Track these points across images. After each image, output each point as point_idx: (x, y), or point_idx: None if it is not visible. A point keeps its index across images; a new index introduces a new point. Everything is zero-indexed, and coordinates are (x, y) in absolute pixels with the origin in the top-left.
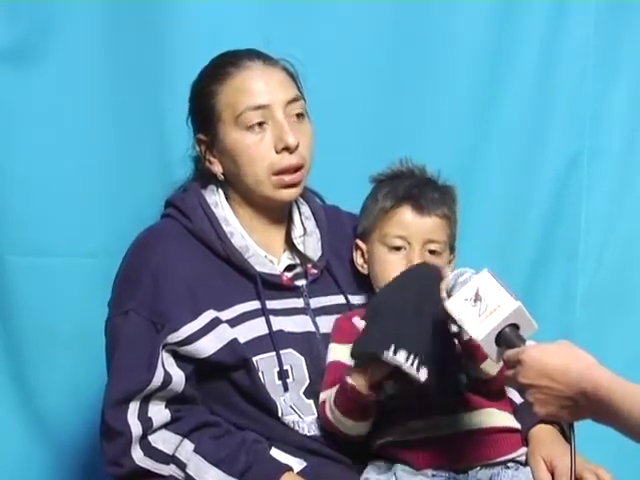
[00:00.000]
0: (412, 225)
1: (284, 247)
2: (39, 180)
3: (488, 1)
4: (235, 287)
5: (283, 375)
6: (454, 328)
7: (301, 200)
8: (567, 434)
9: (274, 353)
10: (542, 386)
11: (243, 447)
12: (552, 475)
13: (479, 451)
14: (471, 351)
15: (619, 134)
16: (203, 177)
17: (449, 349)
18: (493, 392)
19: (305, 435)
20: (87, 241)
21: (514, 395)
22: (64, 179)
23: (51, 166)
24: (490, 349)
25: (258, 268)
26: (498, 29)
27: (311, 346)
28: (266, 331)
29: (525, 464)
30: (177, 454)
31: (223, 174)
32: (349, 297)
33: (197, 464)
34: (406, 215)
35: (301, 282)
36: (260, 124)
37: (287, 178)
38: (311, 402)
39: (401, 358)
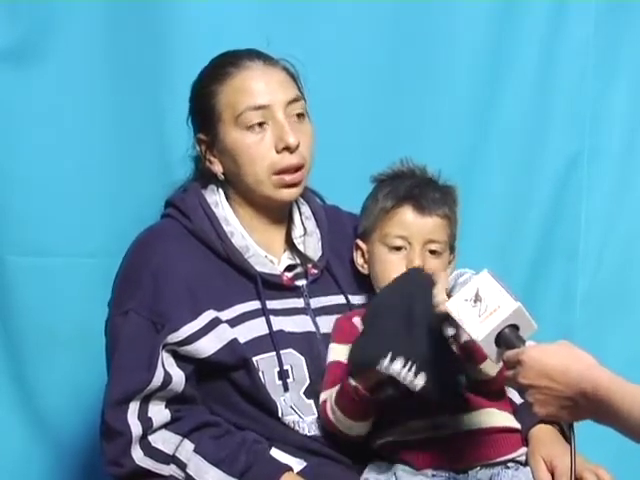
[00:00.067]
0: (413, 225)
1: (284, 247)
2: (39, 180)
3: (488, 1)
4: (235, 287)
5: (283, 375)
6: (450, 332)
7: (301, 200)
8: (567, 434)
9: (274, 353)
10: (542, 386)
11: (243, 447)
12: (552, 475)
13: (479, 451)
14: (469, 353)
15: (619, 134)
16: (203, 177)
17: (446, 353)
18: (493, 392)
19: (305, 435)
20: (87, 241)
21: (514, 395)
22: (64, 179)
23: (51, 166)
24: (490, 350)
25: (258, 268)
26: (498, 29)
27: (311, 346)
28: (266, 331)
29: (525, 464)
30: (177, 454)
31: (223, 174)
32: (349, 297)
33: (197, 464)
34: (407, 215)
35: (301, 282)
36: (260, 124)
37: (287, 178)
38: (311, 402)
39: (398, 366)
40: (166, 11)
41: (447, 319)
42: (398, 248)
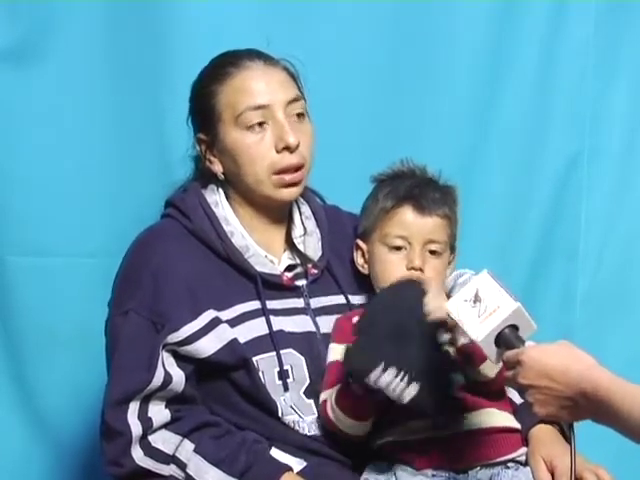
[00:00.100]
0: (413, 225)
1: (284, 247)
2: (39, 180)
3: (488, 1)
4: (235, 287)
5: (283, 375)
6: (445, 337)
7: (301, 200)
8: (567, 434)
9: (274, 353)
10: (542, 386)
11: (243, 447)
12: (552, 475)
13: (479, 451)
14: (468, 355)
15: (619, 134)
16: (203, 177)
17: (440, 361)
18: (493, 392)
19: (305, 435)
20: (87, 241)
21: (514, 395)
22: (64, 179)
23: (51, 166)
24: (489, 350)
25: (258, 268)
26: (498, 29)
27: (311, 346)
28: (266, 331)
29: (525, 464)
30: (177, 454)
31: (223, 174)
32: (349, 297)
33: (197, 464)
34: (407, 215)
35: (301, 282)
36: (260, 124)
37: (287, 177)
38: (311, 402)
39: (390, 377)
40: (166, 11)
41: (441, 325)
42: (398, 248)
